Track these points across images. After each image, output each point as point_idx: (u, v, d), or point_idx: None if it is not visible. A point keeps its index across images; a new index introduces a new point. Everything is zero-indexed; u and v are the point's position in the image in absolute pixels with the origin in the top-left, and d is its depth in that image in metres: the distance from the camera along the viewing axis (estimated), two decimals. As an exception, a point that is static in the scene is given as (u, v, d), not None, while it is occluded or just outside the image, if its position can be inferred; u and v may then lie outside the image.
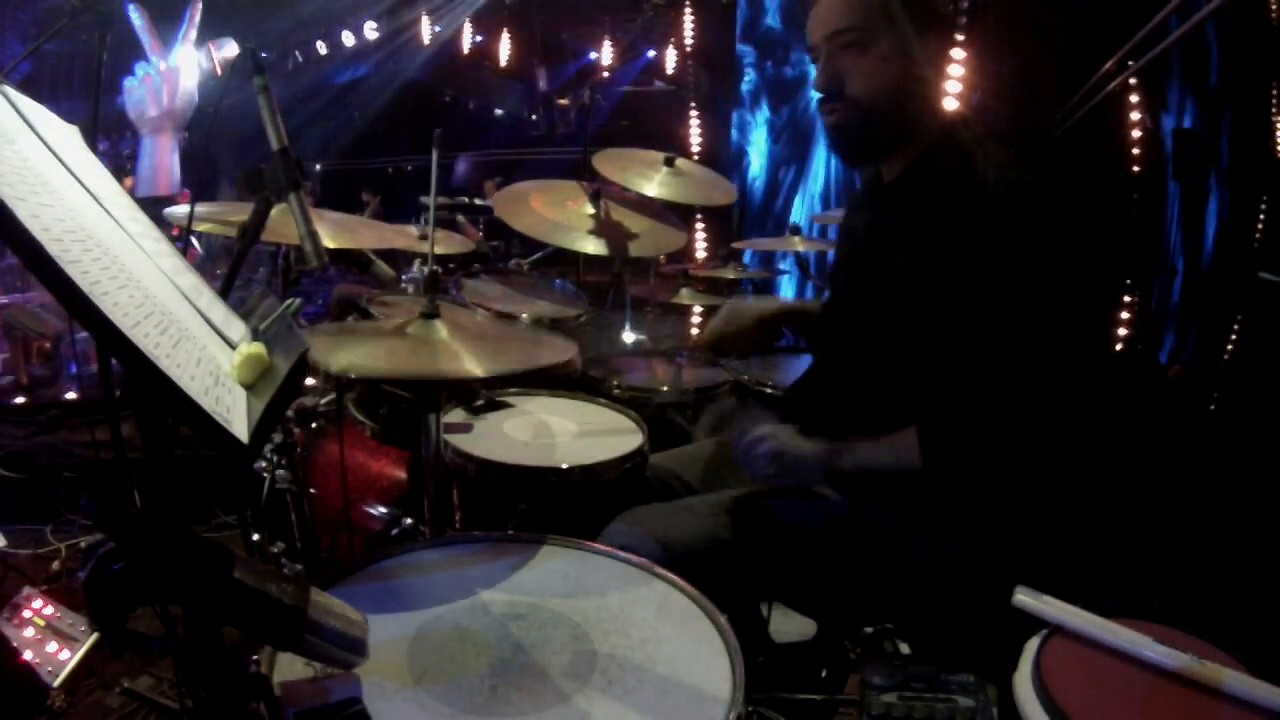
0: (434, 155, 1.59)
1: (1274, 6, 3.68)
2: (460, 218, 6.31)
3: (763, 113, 6.26)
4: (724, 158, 6.21)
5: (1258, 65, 3.87)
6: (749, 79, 6.28)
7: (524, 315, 2.49)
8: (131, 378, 0.69)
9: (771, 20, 6.09)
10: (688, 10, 5.85)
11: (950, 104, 3.39)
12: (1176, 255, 4.11)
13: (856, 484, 1.51)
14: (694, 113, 5.87)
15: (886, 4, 1.43)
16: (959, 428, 1.37)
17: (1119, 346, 3.97)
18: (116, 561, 0.74)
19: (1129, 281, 3.96)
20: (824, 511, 1.54)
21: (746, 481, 1.76)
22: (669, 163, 2.41)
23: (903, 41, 1.43)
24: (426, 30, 8.45)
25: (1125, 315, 3.94)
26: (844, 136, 1.52)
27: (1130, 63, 3.51)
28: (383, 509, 1.97)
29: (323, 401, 2.19)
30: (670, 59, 6.95)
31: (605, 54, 7.71)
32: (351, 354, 1.37)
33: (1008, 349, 1.37)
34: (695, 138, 5.86)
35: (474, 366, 1.39)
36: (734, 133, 6.38)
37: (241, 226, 1.25)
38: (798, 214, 6.03)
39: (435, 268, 1.61)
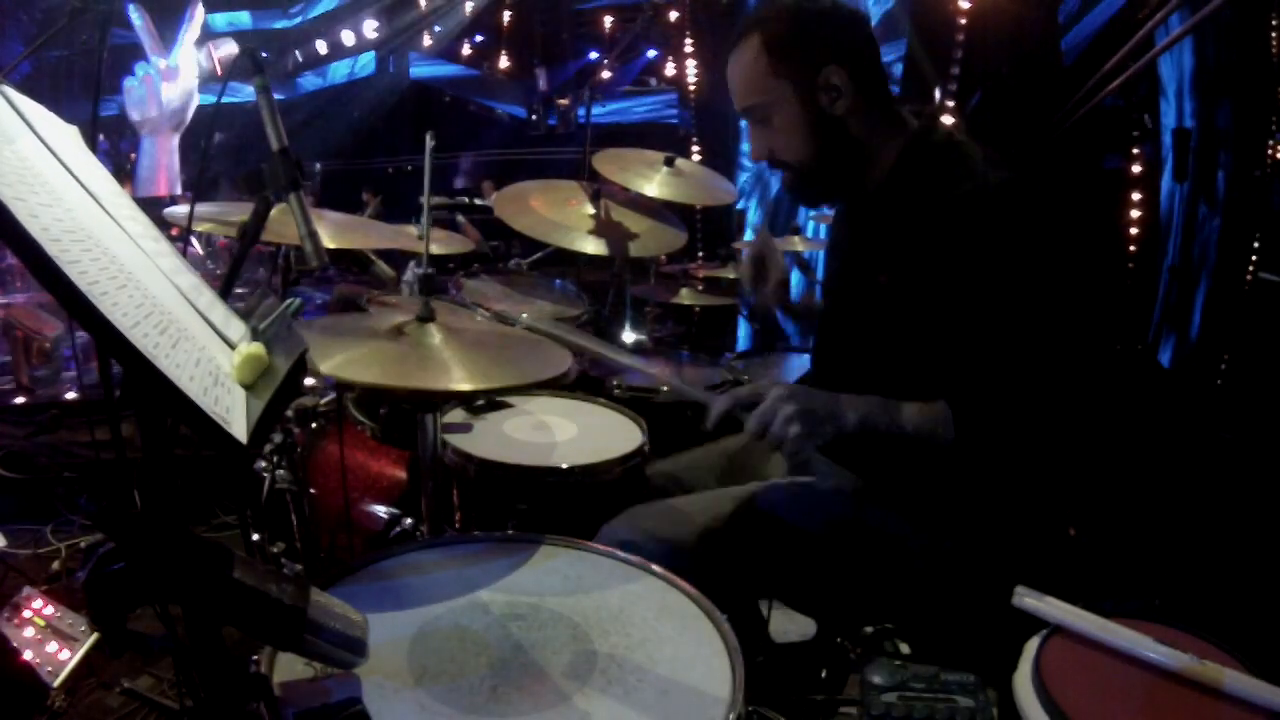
0: (427, 158, 1.58)
1: None
2: (460, 218, 6.32)
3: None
4: (727, 153, 6.18)
5: (1258, 63, 3.87)
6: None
7: (524, 315, 2.49)
8: (131, 378, 0.69)
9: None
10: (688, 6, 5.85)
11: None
12: (1177, 255, 4.10)
13: (872, 457, 1.49)
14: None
15: (774, 69, 1.43)
16: (989, 404, 1.36)
17: (1119, 346, 3.97)
18: (116, 561, 0.74)
19: (1129, 282, 3.96)
20: (824, 510, 1.53)
21: (750, 483, 1.76)
22: (669, 163, 2.41)
23: (807, 93, 1.43)
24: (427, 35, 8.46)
25: (1125, 315, 3.94)
26: (799, 193, 1.59)
27: (1130, 63, 3.51)
28: (383, 509, 1.97)
29: (323, 401, 2.19)
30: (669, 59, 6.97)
31: (605, 50, 7.71)
32: (343, 358, 1.36)
33: (1010, 342, 1.36)
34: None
35: (463, 380, 1.38)
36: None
37: (241, 226, 1.25)
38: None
39: (430, 270, 1.59)
